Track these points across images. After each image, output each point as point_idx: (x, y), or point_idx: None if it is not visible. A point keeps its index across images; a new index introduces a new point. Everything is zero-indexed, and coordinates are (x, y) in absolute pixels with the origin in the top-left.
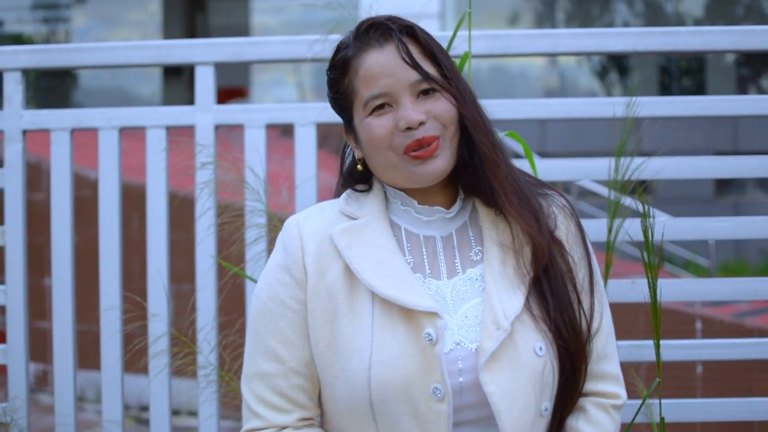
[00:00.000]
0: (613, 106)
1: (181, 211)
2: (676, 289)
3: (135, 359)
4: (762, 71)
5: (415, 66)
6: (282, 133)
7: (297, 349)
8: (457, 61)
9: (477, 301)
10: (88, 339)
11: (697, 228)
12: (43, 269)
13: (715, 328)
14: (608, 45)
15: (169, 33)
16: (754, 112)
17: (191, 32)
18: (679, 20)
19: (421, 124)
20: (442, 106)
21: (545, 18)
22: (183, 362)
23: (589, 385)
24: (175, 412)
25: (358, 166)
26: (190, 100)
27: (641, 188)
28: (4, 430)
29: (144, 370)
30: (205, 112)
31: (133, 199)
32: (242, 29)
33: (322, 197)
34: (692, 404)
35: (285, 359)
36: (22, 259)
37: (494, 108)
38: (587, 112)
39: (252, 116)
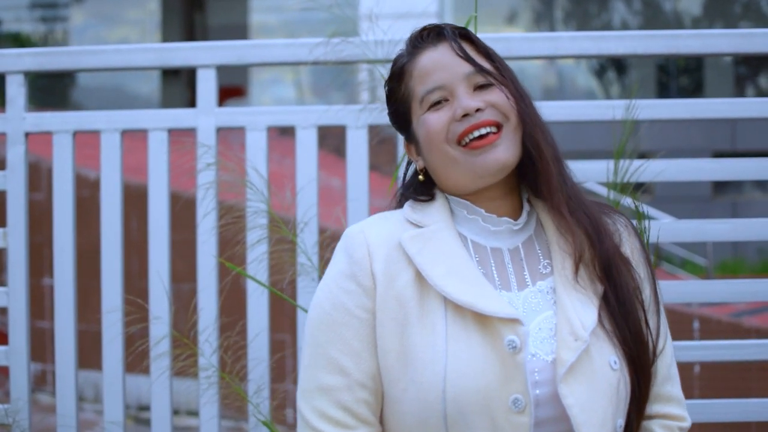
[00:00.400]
0: (612, 108)
1: (185, 211)
2: (674, 291)
3: (136, 360)
4: (760, 70)
5: (469, 59)
6: (280, 132)
7: (363, 360)
8: None
9: (549, 313)
10: (87, 339)
11: (696, 230)
12: (43, 269)
13: (712, 328)
14: (609, 48)
15: (167, 32)
16: (753, 115)
17: (190, 31)
18: (677, 19)
19: (479, 110)
20: (500, 96)
21: (543, 17)
22: (185, 364)
23: (656, 407)
24: (175, 412)
25: (420, 177)
26: (188, 99)
27: (640, 189)
28: None
29: (143, 369)
30: (206, 115)
31: (131, 199)
32: (241, 28)
33: (322, 198)
34: (689, 405)
35: (350, 371)
36: (25, 261)
37: None
38: (587, 115)
39: (253, 119)
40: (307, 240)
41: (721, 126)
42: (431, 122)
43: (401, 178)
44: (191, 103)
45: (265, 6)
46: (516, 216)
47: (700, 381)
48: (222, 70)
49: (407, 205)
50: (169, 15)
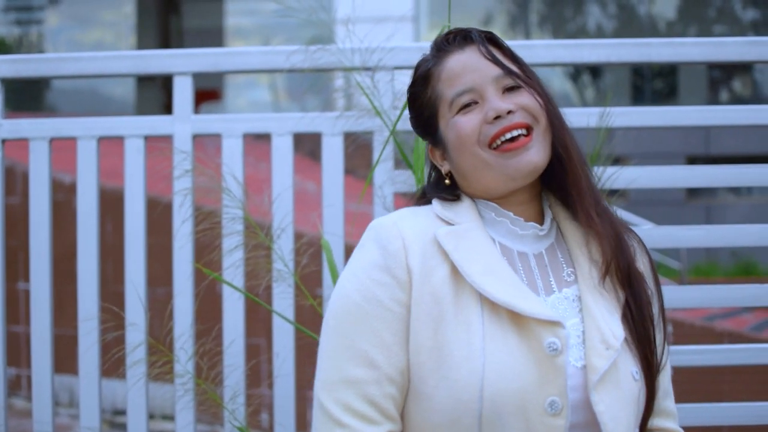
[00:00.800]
0: (587, 116)
1: (164, 216)
2: None
3: (112, 365)
4: (734, 74)
5: (497, 61)
6: (255, 137)
7: (394, 354)
8: None
9: (576, 320)
10: (62, 343)
11: (669, 236)
12: (18, 273)
13: (686, 332)
14: (582, 56)
15: (142, 35)
16: (726, 122)
17: (165, 34)
18: (651, 23)
19: (510, 113)
20: (529, 98)
21: (518, 21)
22: (161, 371)
23: (656, 421)
24: (150, 416)
25: (446, 181)
26: (164, 102)
27: (615, 194)
28: None
29: (119, 374)
30: (183, 122)
31: (106, 203)
32: (216, 32)
33: (297, 201)
34: None
35: (380, 365)
36: (1, 267)
37: None
38: None
39: (229, 126)
40: (284, 246)
41: (696, 130)
42: (462, 125)
43: (427, 179)
44: (167, 105)
45: (241, 10)
46: (540, 221)
47: (672, 385)
48: (198, 74)
49: (436, 202)
50: (145, 18)
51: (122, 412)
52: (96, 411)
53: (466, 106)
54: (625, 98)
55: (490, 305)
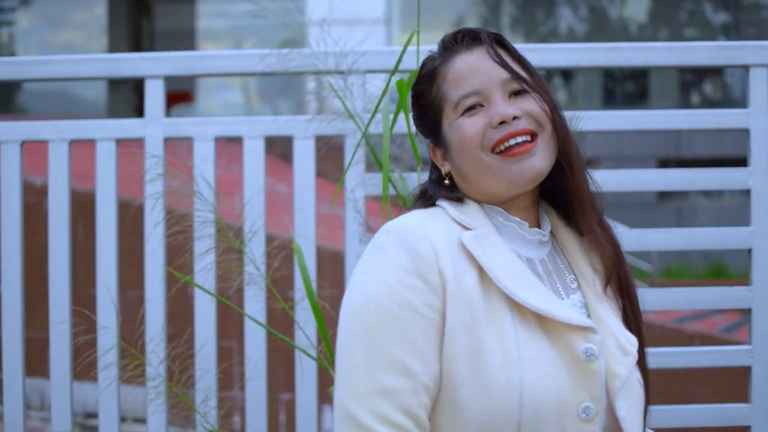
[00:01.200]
0: None
1: (137, 219)
2: None
3: (84, 369)
4: (704, 75)
5: (505, 65)
6: (227, 139)
7: (429, 362)
8: (406, 77)
9: None
10: (33, 346)
11: (640, 239)
12: None
13: (656, 333)
14: (553, 60)
15: (114, 36)
16: (696, 126)
17: (136, 36)
18: (622, 25)
19: (515, 118)
20: (535, 104)
21: (490, 22)
22: (133, 374)
23: None
24: (122, 419)
25: (446, 182)
26: (135, 103)
27: None
28: None
29: (91, 377)
30: (154, 125)
31: (76, 206)
32: (188, 34)
33: (269, 203)
34: None
35: (417, 373)
36: None
37: None
38: None
39: (201, 129)
40: (255, 249)
41: (667, 133)
42: (466, 128)
43: (428, 178)
44: (139, 108)
45: (213, 12)
46: (538, 227)
47: None
48: (170, 77)
49: (448, 204)
50: (116, 19)
51: (94, 416)
52: (68, 414)
53: (470, 109)
54: (597, 101)
55: (519, 311)
